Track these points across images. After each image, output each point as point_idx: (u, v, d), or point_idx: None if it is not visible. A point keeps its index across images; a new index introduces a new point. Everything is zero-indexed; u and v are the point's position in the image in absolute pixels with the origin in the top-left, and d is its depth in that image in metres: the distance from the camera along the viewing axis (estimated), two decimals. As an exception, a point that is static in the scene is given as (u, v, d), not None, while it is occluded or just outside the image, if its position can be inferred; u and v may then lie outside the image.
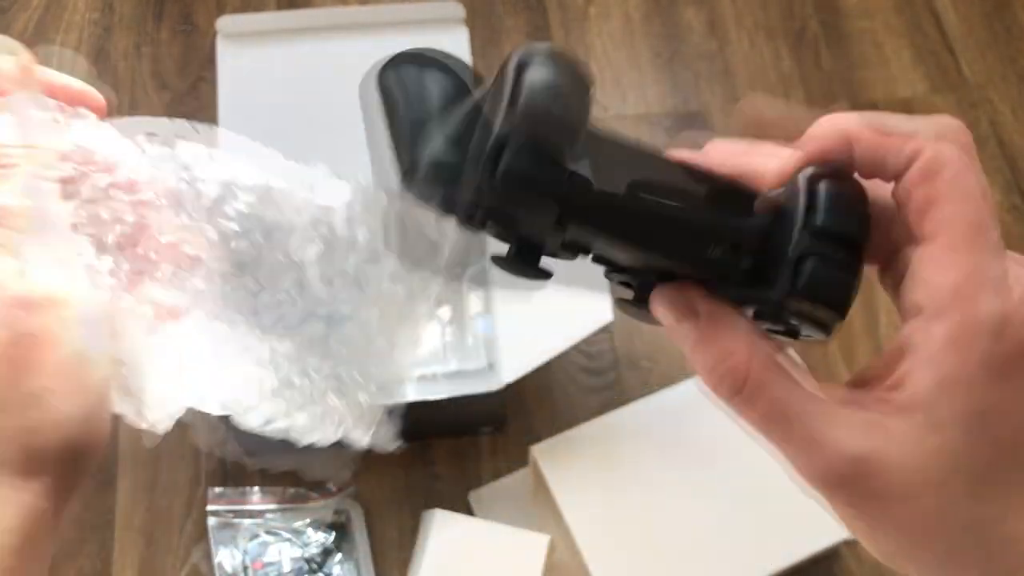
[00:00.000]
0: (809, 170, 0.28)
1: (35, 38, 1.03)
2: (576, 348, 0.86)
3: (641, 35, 1.06)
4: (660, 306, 0.29)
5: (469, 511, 0.81)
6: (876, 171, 0.28)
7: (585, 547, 0.71)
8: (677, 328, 0.29)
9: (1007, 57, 1.05)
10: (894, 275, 0.28)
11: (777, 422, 0.27)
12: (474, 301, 0.89)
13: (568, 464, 0.74)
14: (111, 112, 0.35)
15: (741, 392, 0.27)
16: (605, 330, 0.88)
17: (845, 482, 0.26)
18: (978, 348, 0.26)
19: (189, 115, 1.11)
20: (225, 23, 0.85)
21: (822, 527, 0.71)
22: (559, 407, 0.86)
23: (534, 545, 0.72)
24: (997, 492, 0.26)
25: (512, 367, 0.74)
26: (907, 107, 1.01)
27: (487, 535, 0.72)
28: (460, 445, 0.84)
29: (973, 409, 0.25)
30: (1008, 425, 0.26)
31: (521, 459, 0.83)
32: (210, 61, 1.00)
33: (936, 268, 0.27)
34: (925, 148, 0.28)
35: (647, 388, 0.82)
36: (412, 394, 0.85)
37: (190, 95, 1.01)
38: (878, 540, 0.27)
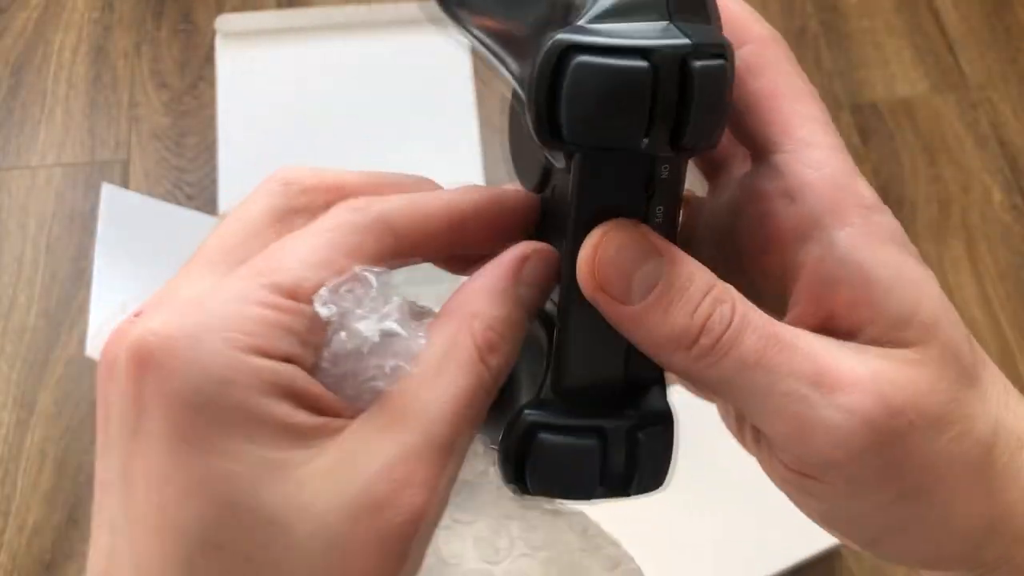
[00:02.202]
0: None
1: (34, 37, 1.03)
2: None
3: (641, 34, 1.06)
4: (614, 244, 0.23)
5: (469, 511, 0.81)
6: None
7: (585, 547, 0.71)
8: (628, 279, 0.23)
9: (1007, 57, 1.05)
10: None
11: (772, 363, 0.22)
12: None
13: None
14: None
15: (722, 336, 0.23)
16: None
17: (878, 425, 0.22)
18: (892, 237, 0.23)
19: (188, 114, 1.11)
20: (224, 22, 0.85)
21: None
22: (559, 407, 0.86)
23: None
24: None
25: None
26: (907, 106, 1.01)
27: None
28: (460, 445, 0.84)
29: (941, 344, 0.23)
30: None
31: (521, 459, 0.83)
32: (209, 60, 1.00)
33: (808, 162, 0.24)
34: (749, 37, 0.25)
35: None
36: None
37: (189, 94, 1.01)
38: (872, 497, 0.23)
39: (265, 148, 0.84)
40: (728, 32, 0.24)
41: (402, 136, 0.84)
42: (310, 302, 0.22)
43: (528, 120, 0.23)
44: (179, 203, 0.94)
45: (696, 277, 0.23)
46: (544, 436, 0.24)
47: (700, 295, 0.23)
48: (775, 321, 0.23)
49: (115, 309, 0.73)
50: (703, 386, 0.25)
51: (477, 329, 0.23)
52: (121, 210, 0.78)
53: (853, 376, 0.22)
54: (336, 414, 0.23)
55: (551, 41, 0.22)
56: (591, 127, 0.22)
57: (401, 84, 0.85)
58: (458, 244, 0.26)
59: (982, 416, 0.24)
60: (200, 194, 0.95)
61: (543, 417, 0.25)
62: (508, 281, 0.24)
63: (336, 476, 0.22)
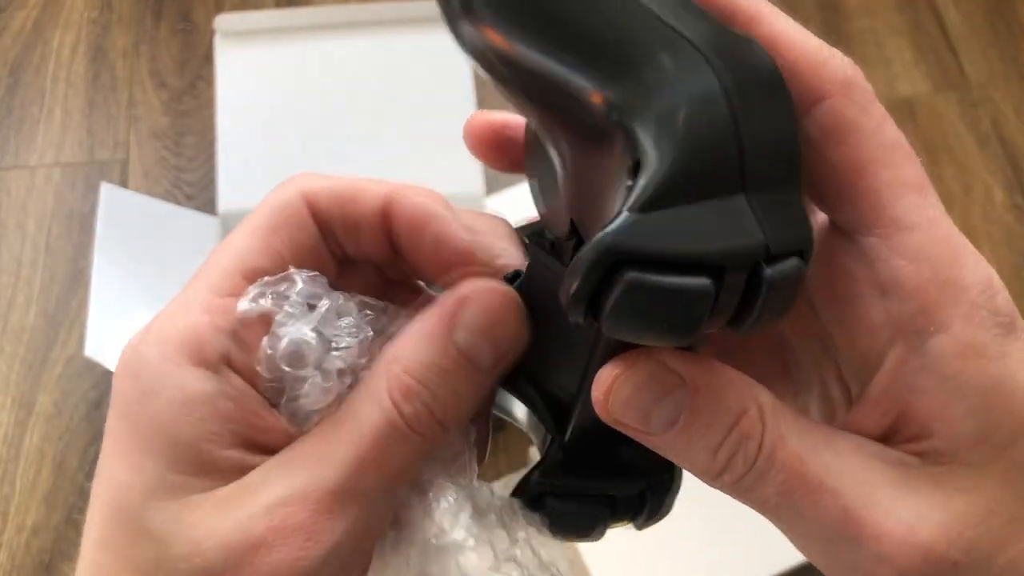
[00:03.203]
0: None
1: (33, 37, 1.03)
2: (576, 348, 0.86)
3: (641, 34, 1.06)
4: (630, 384, 0.21)
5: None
6: None
7: (585, 547, 0.71)
8: (647, 414, 0.21)
9: (1009, 56, 1.05)
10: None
11: (797, 505, 0.21)
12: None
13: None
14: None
15: (744, 476, 0.21)
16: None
17: (916, 573, 0.20)
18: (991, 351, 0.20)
19: (187, 113, 1.11)
20: (223, 21, 0.85)
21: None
22: (559, 407, 0.86)
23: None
24: None
25: (512, 367, 0.74)
26: (909, 106, 1.01)
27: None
28: (460, 445, 0.84)
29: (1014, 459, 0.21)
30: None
31: (521, 459, 0.83)
32: (208, 59, 0.99)
33: (899, 251, 0.21)
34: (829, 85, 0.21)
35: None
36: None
37: (188, 93, 1.00)
38: None
39: (264, 147, 0.84)
40: (798, 83, 0.21)
41: (402, 136, 0.84)
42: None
43: (562, 293, 0.20)
44: (178, 202, 0.93)
45: (722, 408, 0.21)
46: (553, 502, 0.25)
47: (724, 431, 0.21)
48: (808, 451, 0.21)
49: (114, 309, 0.73)
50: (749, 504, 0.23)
51: (394, 373, 0.23)
52: (120, 210, 0.77)
53: (886, 526, 0.21)
54: (276, 441, 0.23)
55: (600, 247, 0.19)
56: (637, 335, 0.20)
57: (401, 84, 0.85)
58: (395, 248, 0.24)
59: None
60: (199, 194, 0.95)
61: (549, 483, 0.25)
62: (440, 326, 0.23)
63: (225, 507, 0.22)
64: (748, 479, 0.21)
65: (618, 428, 0.22)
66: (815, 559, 0.22)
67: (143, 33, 1.04)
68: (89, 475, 0.82)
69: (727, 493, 0.22)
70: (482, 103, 0.89)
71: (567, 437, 0.25)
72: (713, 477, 0.21)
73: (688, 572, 0.72)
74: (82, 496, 0.81)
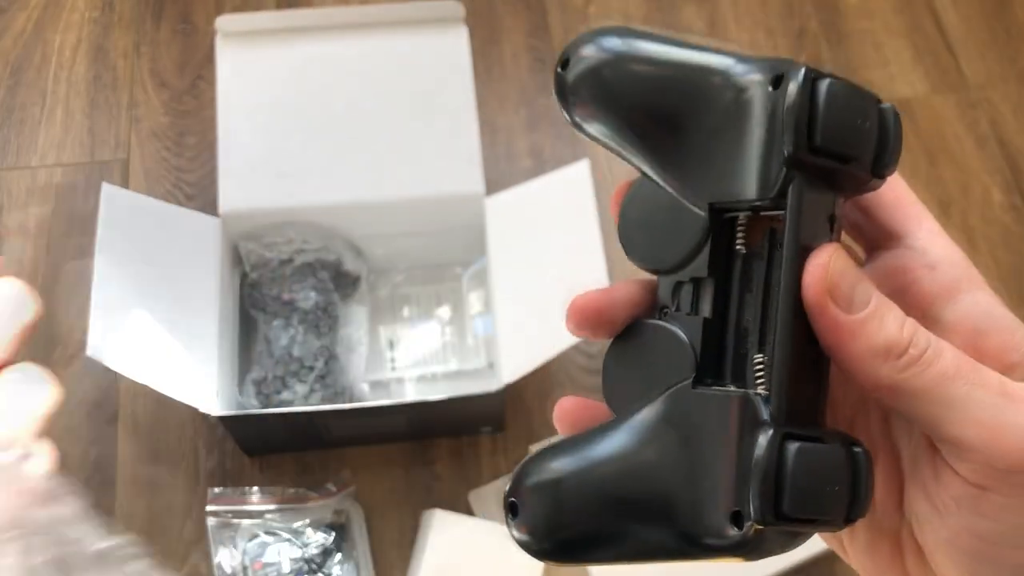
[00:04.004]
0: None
1: (34, 37, 1.03)
2: (576, 348, 0.86)
3: (641, 35, 1.06)
4: (842, 259, 0.26)
5: (469, 511, 0.81)
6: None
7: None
8: (851, 293, 0.26)
9: (1007, 57, 1.05)
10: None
11: (969, 376, 0.26)
12: (474, 301, 0.89)
13: (568, 464, 0.74)
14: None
15: (927, 350, 0.26)
16: (605, 330, 0.88)
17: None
18: None
19: (188, 114, 1.11)
20: (224, 22, 0.85)
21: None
22: (559, 407, 0.86)
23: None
24: None
25: (512, 367, 0.74)
26: (907, 107, 1.01)
27: (487, 535, 0.72)
28: (460, 445, 0.84)
29: None
30: None
31: (521, 458, 0.83)
32: (209, 60, 1.00)
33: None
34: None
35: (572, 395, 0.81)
36: (412, 394, 0.86)
37: (189, 94, 1.01)
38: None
39: (265, 148, 0.84)
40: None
41: (402, 136, 0.84)
42: None
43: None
44: (179, 203, 0.94)
45: (894, 304, 0.26)
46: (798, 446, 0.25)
47: (903, 316, 0.26)
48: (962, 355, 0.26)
49: (115, 309, 0.73)
50: (901, 397, 0.26)
51: None
52: (121, 210, 0.78)
53: None
54: None
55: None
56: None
57: (401, 84, 0.85)
58: None
59: None
60: (200, 194, 0.95)
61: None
62: None
63: None
64: (930, 354, 0.26)
65: (826, 315, 0.25)
66: (972, 433, 0.26)
67: (144, 34, 1.04)
68: (91, 474, 0.82)
69: (903, 378, 0.26)
70: (482, 103, 0.89)
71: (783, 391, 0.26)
72: (902, 351, 0.26)
73: (688, 572, 0.72)
74: (83, 496, 0.81)
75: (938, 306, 0.28)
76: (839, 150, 0.26)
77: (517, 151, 0.98)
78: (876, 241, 0.31)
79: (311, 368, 0.81)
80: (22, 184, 0.95)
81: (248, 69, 0.85)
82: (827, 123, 0.25)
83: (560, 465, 0.28)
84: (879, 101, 0.27)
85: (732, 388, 0.27)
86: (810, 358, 0.26)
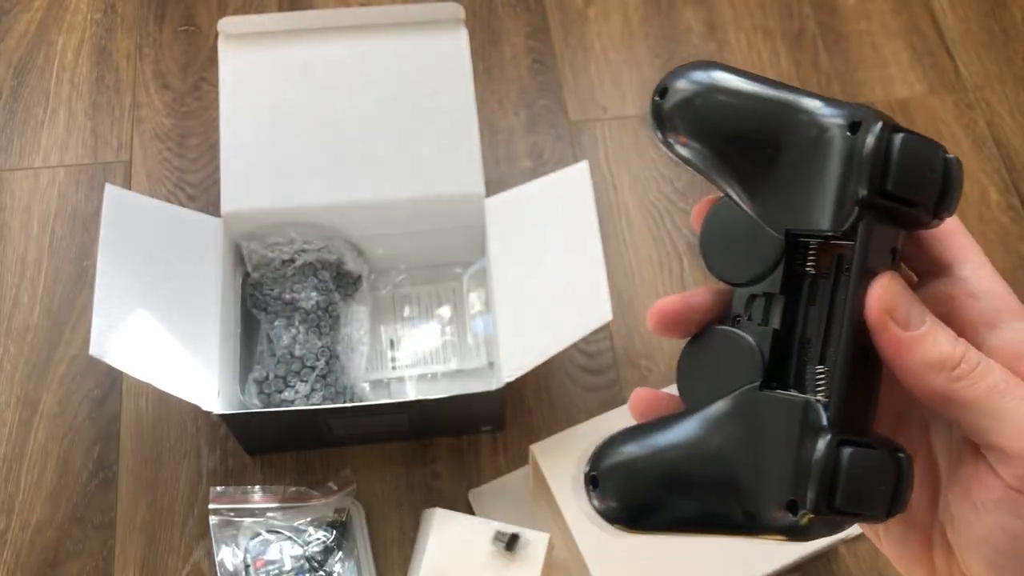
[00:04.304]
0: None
1: (37, 39, 1.04)
2: (576, 347, 0.87)
3: (640, 36, 1.07)
4: (897, 283, 0.30)
5: (469, 509, 0.81)
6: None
7: (584, 545, 0.71)
8: (908, 311, 0.30)
9: (1004, 58, 1.06)
10: None
11: (1018, 391, 0.28)
12: (474, 301, 0.89)
13: (568, 462, 0.75)
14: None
15: (978, 365, 0.29)
16: (604, 329, 0.88)
17: None
18: None
19: (191, 115, 1.12)
20: (227, 24, 0.85)
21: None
22: (559, 406, 0.86)
23: (534, 543, 0.72)
24: None
25: (512, 367, 0.74)
26: (905, 107, 1.02)
27: (487, 534, 0.73)
28: (460, 444, 0.85)
29: None
30: None
31: (521, 458, 0.83)
32: (212, 62, 1.00)
33: None
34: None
35: (646, 387, 0.82)
36: (412, 394, 0.86)
37: (191, 95, 1.01)
38: None
39: (267, 149, 0.84)
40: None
41: (403, 137, 0.85)
42: None
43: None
44: (181, 204, 0.94)
45: (946, 325, 0.30)
46: (852, 451, 0.28)
47: (955, 335, 0.29)
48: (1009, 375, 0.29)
49: (118, 309, 0.73)
50: (952, 406, 0.29)
51: None
52: (123, 211, 0.78)
53: None
54: None
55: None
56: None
57: (402, 85, 0.86)
58: None
59: None
60: (202, 195, 0.95)
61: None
62: None
63: None
64: (981, 368, 0.29)
65: (884, 329, 0.29)
66: (1019, 443, 0.28)
67: (146, 35, 1.05)
68: (93, 473, 0.83)
69: (955, 389, 0.29)
70: (482, 104, 0.89)
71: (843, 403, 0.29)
72: (955, 365, 0.29)
73: (688, 572, 0.72)
74: (85, 495, 0.82)
75: (982, 333, 0.31)
76: (907, 196, 0.29)
77: (517, 152, 0.99)
78: (926, 269, 0.33)
79: (312, 367, 0.81)
80: (25, 185, 0.96)
81: (250, 70, 0.85)
82: (899, 173, 0.28)
83: (638, 445, 0.32)
84: (945, 152, 0.29)
85: (795, 394, 0.30)
86: (864, 372, 0.30)
